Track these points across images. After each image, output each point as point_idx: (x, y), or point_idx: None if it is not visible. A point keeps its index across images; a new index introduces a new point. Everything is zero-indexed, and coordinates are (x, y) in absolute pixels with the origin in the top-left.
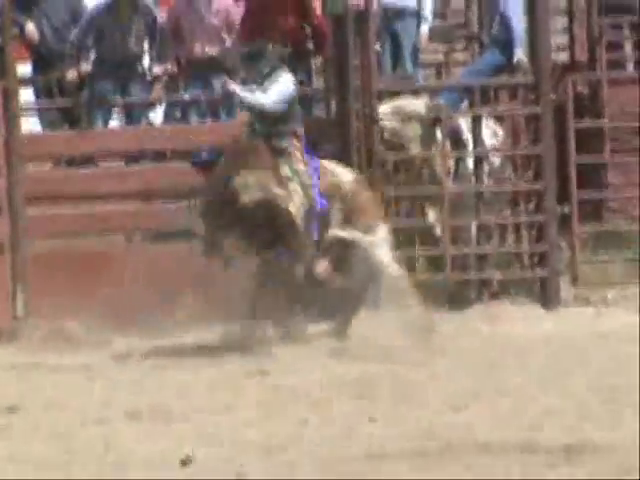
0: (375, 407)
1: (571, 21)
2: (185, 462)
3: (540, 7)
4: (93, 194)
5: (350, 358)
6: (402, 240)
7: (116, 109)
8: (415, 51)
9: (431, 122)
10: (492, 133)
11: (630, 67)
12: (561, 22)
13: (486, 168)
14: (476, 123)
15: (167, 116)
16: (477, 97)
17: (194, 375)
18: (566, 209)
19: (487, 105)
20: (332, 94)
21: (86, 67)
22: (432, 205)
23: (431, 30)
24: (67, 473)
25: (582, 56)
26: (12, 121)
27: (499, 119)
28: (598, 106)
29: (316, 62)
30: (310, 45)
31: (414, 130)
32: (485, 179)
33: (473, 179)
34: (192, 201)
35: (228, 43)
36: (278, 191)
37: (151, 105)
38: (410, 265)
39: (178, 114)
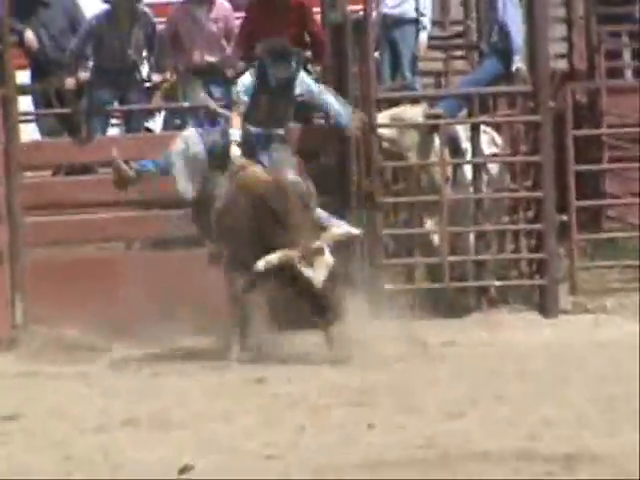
0: (373, 415)
1: (570, 29)
2: (184, 470)
3: (539, 15)
4: (92, 202)
5: (348, 366)
6: (400, 249)
7: (115, 117)
8: (414, 59)
9: (429, 130)
10: (490, 141)
11: (629, 75)
12: (560, 30)
13: (485, 177)
14: (475, 131)
15: (166, 124)
16: (476, 105)
17: (192, 383)
18: (565, 217)
19: (486, 113)
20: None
21: (85, 75)
22: (430, 214)
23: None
24: None
25: (581, 64)
26: (11, 129)
27: (498, 127)
28: (597, 114)
29: (315, 70)
30: (309, 53)
31: (412, 138)
32: (484, 188)
33: (471, 187)
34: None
35: (227, 51)
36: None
37: (150, 113)
38: (409, 274)
39: (177, 122)
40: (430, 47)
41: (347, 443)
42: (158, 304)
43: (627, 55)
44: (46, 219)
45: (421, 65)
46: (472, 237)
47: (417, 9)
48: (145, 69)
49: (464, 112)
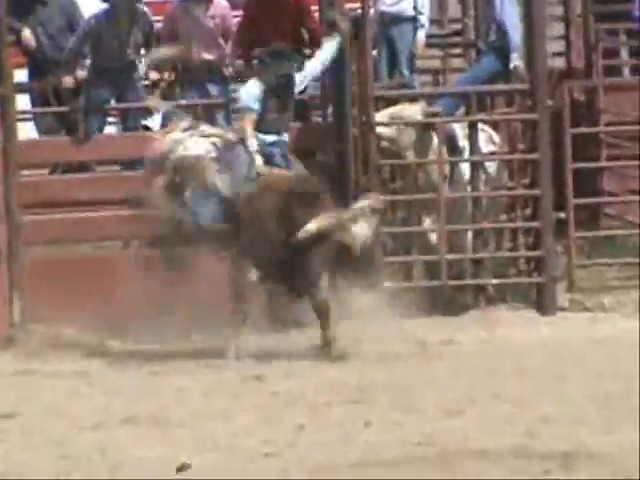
0: (371, 413)
1: (567, 28)
2: (182, 468)
3: (536, 14)
4: (90, 200)
5: (347, 364)
6: (399, 247)
7: (113, 116)
8: (412, 57)
9: (427, 128)
10: (488, 139)
11: (627, 73)
12: (557, 29)
13: (482, 176)
14: (473, 129)
15: (164, 122)
16: (474, 103)
17: (191, 381)
18: (562, 215)
19: (484, 111)
20: (329, 100)
21: (82, 74)
22: (428, 212)
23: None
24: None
25: (578, 63)
26: (9, 128)
27: (495, 125)
28: (594, 112)
29: None
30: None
31: (410, 137)
32: (481, 186)
33: (469, 186)
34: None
35: (225, 49)
36: None
37: (148, 112)
38: (407, 271)
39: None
40: (428, 45)
41: (345, 441)
42: (156, 302)
43: (625, 53)
44: (44, 217)
45: (419, 63)
46: (470, 235)
47: (415, 7)
48: (142, 67)
49: (461, 110)
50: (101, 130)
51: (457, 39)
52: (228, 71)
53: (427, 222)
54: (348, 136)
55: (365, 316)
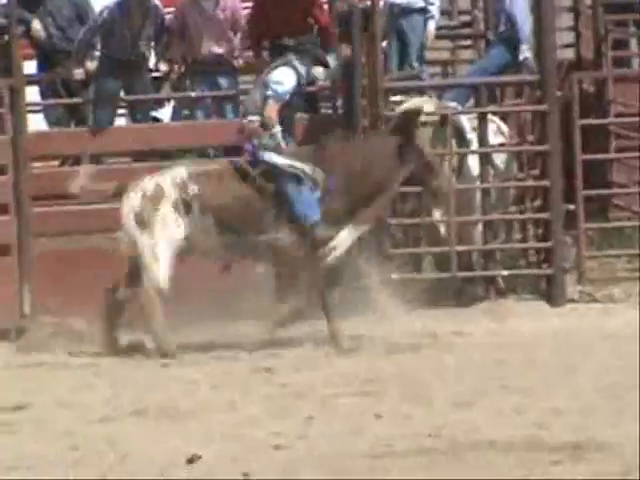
0: (381, 405)
1: (577, 19)
2: (191, 460)
3: (546, 5)
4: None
5: (356, 355)
6: (408, 238)
7: (122, 107)
8: (422, 49)
9: (441, 124)
10: (496, 130)
11: (636, 65)
12: (567, 20)
13: (491, 170)
14: (482, 121)
15: (175, 114)
16: (483, 95)
17: (200, 373)
18: (572, 206)
19: (493, 103)
20: (339, 91)
21: (92, 65)
22: (437, 204)
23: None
24: (73, 471)
25: (588, 54)
26: (19, 119)
27: (505, 117)
28: (604, 104)
29: None
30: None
31: (427, 134)
32: (490, 178)
33: (477, 180)
34: None
35: (234, 41)
36: None
37: (159, 103)
38: (416, 263)
39: (185, 112)
40: (437, 36)
41: (355, 433)
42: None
43: (634, 44)
44: (54, 209)
45: (428, 54)
46: (479, 227)
47: None
48: (153, 59)
49: (471, 102)
50: (111, 122)
51: (467, 30)
52: (238, 63)
53: (437, 214)
54: (357, 128)
55: (375, 308)
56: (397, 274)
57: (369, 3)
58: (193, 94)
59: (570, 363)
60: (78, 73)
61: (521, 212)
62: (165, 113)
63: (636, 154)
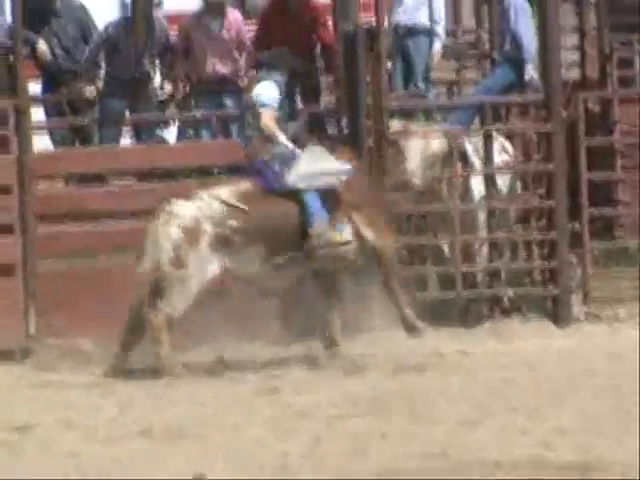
0: (387, 424)
1: (582, 38)
2: None
3: (551, 24)
4: (105, 212)
5: (362, 375)
6: (413, 258)
7: (127, 127)
8: (427, 69)
9: (450, 156)
10: (501, 149)
11: None
12: (572, 39)
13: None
14: (487, 141)
15: (180, 134)
16: (488, 114)
17: (205, 393)
18: (577, 226)
19: (498, 122)
20: (343, 111)
21: (99, 85)
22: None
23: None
24: None
25: (593, 73)
26: (24, 139)
27: (510, 136)
28: (609, 123)
29: (328, 79)
30: (321, 62)
31: (436, 169)
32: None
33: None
34: None
35: (239, 61)
36: None
37: (164, 123)
38: (421, 283)
39: (190, 132)
40: (442, 56)
41: (361, 453)
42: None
43: (639, 64)
44: (59, 229)
45: (433, 74)
46: (484, 248)
47: (431, 18)
48: (158, 79)
49: (476, 122)
50: (116, 141)
51: (472, 50)
52: (243, 83)
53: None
54: (363, 148)
55: (380, 327)
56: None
57: (374, 23)
58: (198, 114)
59: (576, 383)
60: (89, 90)
61: (526, 231)
62: (171, 133)
63: None
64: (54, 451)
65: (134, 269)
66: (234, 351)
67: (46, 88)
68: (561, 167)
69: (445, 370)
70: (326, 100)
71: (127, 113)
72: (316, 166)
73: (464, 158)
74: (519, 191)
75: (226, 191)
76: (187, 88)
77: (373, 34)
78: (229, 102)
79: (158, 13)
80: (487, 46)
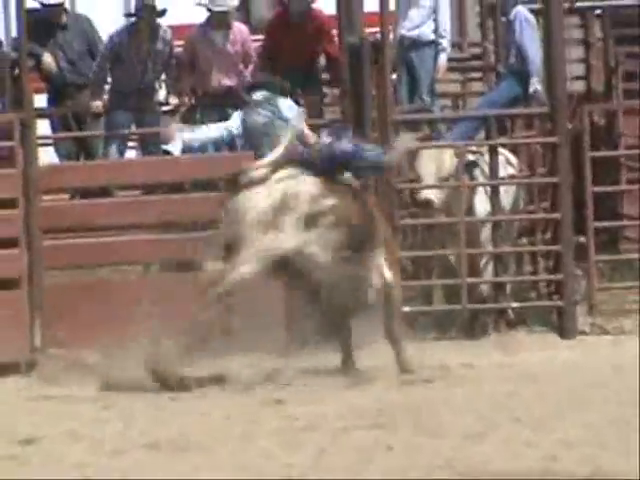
0: (392, 437)
1: (587, 51)
2: None
3: (556, 37)
4: (110, 225)
5: (367, 387)
6: (419, 270)
7: (133, 140)
8: (432, 82)
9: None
10: (505, 162)
11: None
12: (577, 52)
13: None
14: (492, 153)
15: (185, 147)
16: (493, 127)
17: (211, 405)
18: (583, 239)
19: (504, 135)
20: (349, 124)
21: (105, 98)
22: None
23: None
24: None
25: (598, 86)
26: (29, 153)
27: (515, 149)
28: (614, 136)
29: (333, 92)
30: (326, 75)
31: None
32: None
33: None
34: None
35: (245, 74)
36: None
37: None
38: (427, 295)
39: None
40: (448, 69)
41: (366, 465)
42: (176, 327)
43: None
44: (64, 242)
45: (438, 87)
46: (489, 261)
47: (436, 31)
48: (163, 92)
49: (480, 135)
50: (121, 155)
51: (477, 63)
52: (248, 96)
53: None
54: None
55: (385, 340)
56: (408, 306)
57: (379, 35)
58: (204, 127)
59: (581, 395)
60: (96, 105)
61: (532, 244)
62: (176, 146)
63: None
64: (60, 463)
65: (140, 282)
66: (239, 362)
67: (51, 101)
68: (566, 180)
69: (450, 382)
70: (331, 112)
71: (133, 126)
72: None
73: (471, 172)
74: (522, 205)
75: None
76: (192, 101)
77: (378, 47)
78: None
79: (162, 22)
80: (492, 59)
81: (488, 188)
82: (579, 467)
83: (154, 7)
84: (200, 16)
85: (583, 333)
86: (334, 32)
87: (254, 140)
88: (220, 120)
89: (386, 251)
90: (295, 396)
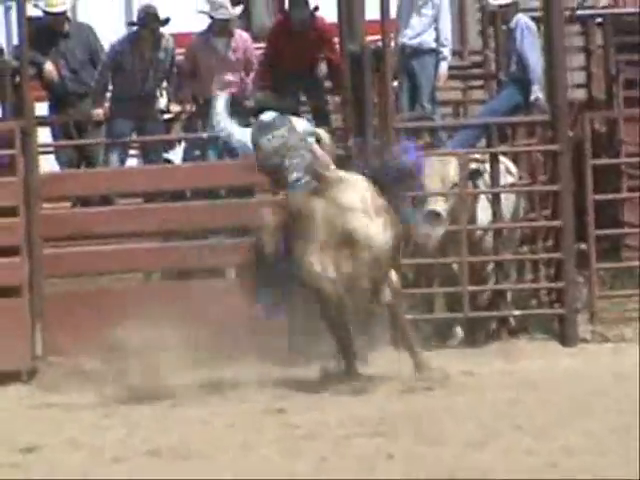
0: (393, 445)
1: (588, 59)
2: None
3: (557, 45)
4: (111, 233)
5: (368, 396)
6: (420, 278)
7: (134, 148)
8: (433, 90)
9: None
10: (505, 171)
11: None
12: (578, 60)
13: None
14: (494, 162)
15: (186, 155)
16: (494, 135)
17: (212, 413)
18: (584, 246)
19: (504, 143)
20: (351, 132)
21: (106, 106)
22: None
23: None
24: None
25: (599, 94)
26: (30, 161)
27: (517, 157)
28: (615, 144)
29: (334, 99)
30: (328, 83)
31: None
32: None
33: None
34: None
35: (246, 82)
36: None
37: (169, 145)
38: (428, 303)
39: (197, 153)
40: (449, 77)
41: (368, 473)
42: (177, 335)
43: None
44: (65, 250)
45: (439, 95)
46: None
47: (437, 39)
48: (164, 99)
49: (481, 143)
50: (122, 163)
51: (478, 71)
52: (249, 104)
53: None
54: (367, 168)
55: (386, 347)
56: (409, 314)
57: (380, 43)
58: (205, 135)
59: (582, 403)
60: (97, 113)
61: (533, 252)
62: (176, 154)
63: None
64: (61, 471)
65: (139, 289)
66: (241, 371)
67: (53, 109)
68: (567, 187)
69: (452, 390)
70: (333, 120)
71: (134, 134)
72: None
73: (475, 181)
74: (522, 214)
75: None
76: (193, 108)
77: (379, 54)
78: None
79: (164, 31)
80: (493, 67)
81: (489, 196)
82: (581, 475)
83: (157, 16)
84: (201, 24)
85: (584, 341)
86: (336, 40)
87: (267, 161)
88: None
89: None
90: (296, 404)
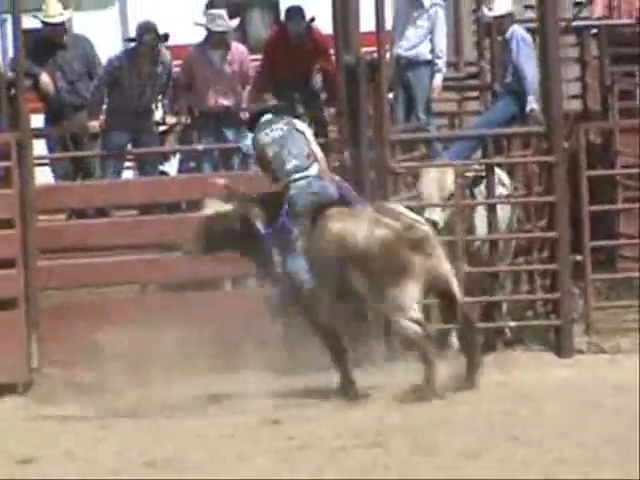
0: (389, 456)
1: (583, 70)
2: None
3: (552, 56)
4: (107, 245)
5: (364, 407)
6: None
7: (130, 160)
8: (428, 101)
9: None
10: (498, 182)
11: None
12: (573, 71)
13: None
14: (489, 173)
15: (181, 167)
16: (490, 146)
17: (208, 424)
18: (579, 257)
19: (500, 154)
20: (346, 144)
21: (102, 119)
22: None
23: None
24: None
25: (594, 105)
26: (26, 173)
27: (512, 168)
28: (611, 155)
29: (330, 112)
30: (323, 94)
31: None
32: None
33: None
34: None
35: (242, 94)
36: None
37: (165, 156)
38: (425, 314)
39: (192, 165)
40: (444, 88)
41: None
42: (173, 346)
43: None
44: (61, 262)
45: (435, 106)
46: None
47: (432, 51)
48: (160, 111)
49: (476, 155)
50: (118, 175)
51: (473, 82)
52: (245, 116)
53: None
54: (365, 179)
55: (382, 359)
56: None
57: (376, 55)
58: (200, 147)
59: (578, 414)
60: (93, 126)
61: (528, 263)
62: (171, 166)
63: None
64: None
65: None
66: (237, 382)
67: (49, 121)
68: (563, 198)
69: (448, 401)
70: (329, 131)
71: (129, 146)
72: None
73: (477, 187)
74: (516, 225)
75: None
76: (188, 120)
77: (375, 66)
78: (231, 135)
79: (163, 46)
80: (489, 78)
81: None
82: None
83: (157, 32)
84: (198, 36)
85: (580, 352)
86: (331, 51)
87: (265, 151)
88: (217, 140)
89: None
90: (292, 415)
